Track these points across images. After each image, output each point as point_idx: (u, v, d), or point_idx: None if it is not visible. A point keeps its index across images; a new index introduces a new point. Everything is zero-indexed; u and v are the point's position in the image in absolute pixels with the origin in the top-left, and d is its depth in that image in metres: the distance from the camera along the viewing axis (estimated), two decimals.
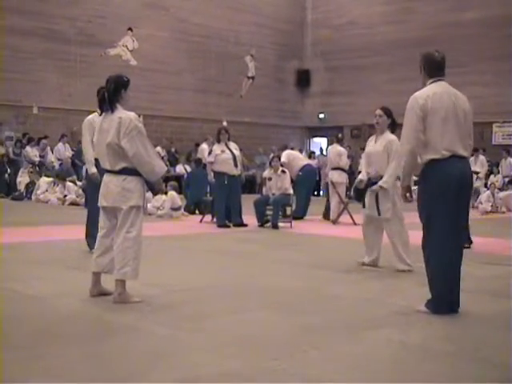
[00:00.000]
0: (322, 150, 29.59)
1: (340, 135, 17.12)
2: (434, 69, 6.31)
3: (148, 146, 6.44)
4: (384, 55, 28.99)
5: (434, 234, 6.09)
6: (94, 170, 9.17)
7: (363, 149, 9.67)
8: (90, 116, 9.52)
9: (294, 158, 17.43)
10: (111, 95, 6.51)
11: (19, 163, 22.97)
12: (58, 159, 23.16)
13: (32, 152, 22.97)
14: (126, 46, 26.65)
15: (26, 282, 7.31)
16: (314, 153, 27.55)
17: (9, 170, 23.09)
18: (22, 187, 21.93)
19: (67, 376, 4.33)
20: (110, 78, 6.64)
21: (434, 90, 6.17)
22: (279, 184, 14.50)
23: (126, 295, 6.44)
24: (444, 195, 6.01)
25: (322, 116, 32.03)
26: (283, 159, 16.47)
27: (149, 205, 16.09)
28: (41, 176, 21.59)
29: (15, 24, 24.02)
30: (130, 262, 6.35)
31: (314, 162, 22.20)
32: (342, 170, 16.11)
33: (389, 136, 8.74)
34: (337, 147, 16.28)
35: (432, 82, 6.27)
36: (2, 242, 10.25)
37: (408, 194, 6.37)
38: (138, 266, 6.42)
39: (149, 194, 16.69)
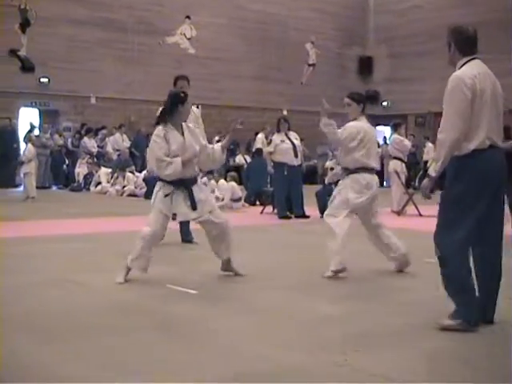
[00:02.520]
0: (385, 138, 28.82)
1: (396, 123, 16.49)
2: (469, 45, 5.52)
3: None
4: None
5: (460, 233, 5.27)
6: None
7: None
8: None
9: None
10: (167, 110, 7.00)
11: (77, 154, 22.87)
12: (116, 150, 22.93)
13: (90, 143, 22.84)
14: (184, 34, 26.33)
15: (89, 274, 7.32)
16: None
17: (67, 161, 23.04)
18: (80, 178, 21.84)
19: (124, 369, 4.29)
20: (170, 93, 7.20)
21: (478, 70, 5.38)
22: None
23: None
24: (483, 191, 5.25)
25: (385, 104, 31.26)
26: None
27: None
28: (99, 167, 21.41)
29: (72, 13, 23.94)
30: None
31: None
32: (401, 159, 15.63)
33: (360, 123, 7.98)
34: (397, 135, 15.79)
35: (468, 61, 5.46)
36: (64, 234, 10.39)
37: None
38: None
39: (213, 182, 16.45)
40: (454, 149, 5.27)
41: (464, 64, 5.45)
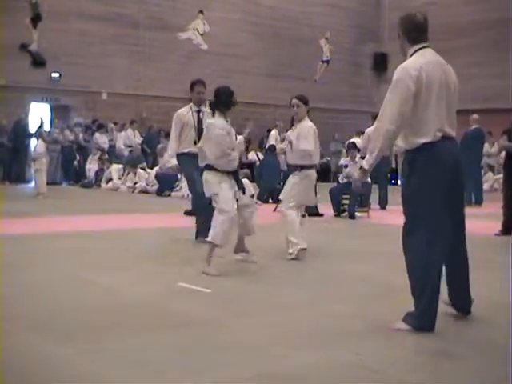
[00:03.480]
0: None
1: None
2: (418, 32, 5.35)
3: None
4: (464, 37, 27.77)
5: (421, 232, 5.18)
6: (174, 162, 9.63)
7: None
8: (181, 110, 9.75)
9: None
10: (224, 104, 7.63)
11: (89, 150, 22.74)
12: (128, 146, 22.77)
13: (101, 138, 22.68)
14: (197, 29, 26.16)
15: (102, 272, 7.32)
16: None
17: (78, 157, 22.90)
18: (91, 174, 21.70)
19: (143, 368, 4.26)
20: (222, 88, 7.74)
21: (426, 59, 5.22)
22: (356, 171, 13.80)
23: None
24: (437, 185, 5.12)
25: None
26: (363, 142, 16.00)
27: None
28: (110, 163, 21.26)
29: (84, 9, 23.83)
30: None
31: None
32: None
33: (308, 123, 8.60)
34: None
35: (419, 49, 5.31)
36: (75, 231, 10.35)
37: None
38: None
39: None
40: (389, 140, 5.16)
41: (414, 53, 5.30)
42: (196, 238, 9.39)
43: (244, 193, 7.77)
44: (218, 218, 7.31)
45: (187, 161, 9.31)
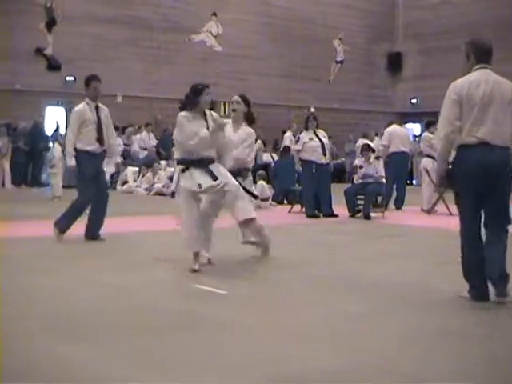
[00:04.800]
0: (414, 136, 28.47)
1: (429, 121, 16.28)
2: (485, 56, 6.18)
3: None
4: (482, 35, 27.56)
5: (463, 222, 6.11)
6: (72, 162, 9.48)
7: None
8: (80, 105, 9.67)
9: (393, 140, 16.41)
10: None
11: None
12: (143, 148, 22.81)
13: (116, 141, 22.67)
14: (211, 31, 26.18)
15: (117, 274, 7.33)
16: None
17: None
18: (106, 177, 21.68)
19: (159, 370, 4.25)
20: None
21: (474, 77, 6.06)
22: (370, 172, 13.83)
23: None
24: (468, 183, 5.97)
25: (414, 101, 30.89)
26: (384, 142, 16.08)
27: None
28: (125, 166, 21.30)
29: (98, 12, 23.90)
30: None
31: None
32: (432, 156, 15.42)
33: (247, 129, 8.42)
34: (428, 133, 15.55)
35: (476, 70, 6.12)
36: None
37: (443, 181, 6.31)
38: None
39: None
40: (445, 144, 6.02)
41: (472, 71, 6.12)
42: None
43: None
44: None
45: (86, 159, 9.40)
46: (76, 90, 23.39)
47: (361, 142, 20.87)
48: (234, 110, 8.41)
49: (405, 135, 16.81)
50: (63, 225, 9.50)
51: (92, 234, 9.60)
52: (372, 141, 20.17)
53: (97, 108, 9.51)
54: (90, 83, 9.56)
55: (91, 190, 9.49)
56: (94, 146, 9.35)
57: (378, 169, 13.94)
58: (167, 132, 23.67)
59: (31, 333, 5.00)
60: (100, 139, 9.41)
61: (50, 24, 22.98)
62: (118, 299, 6.16)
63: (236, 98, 8.43)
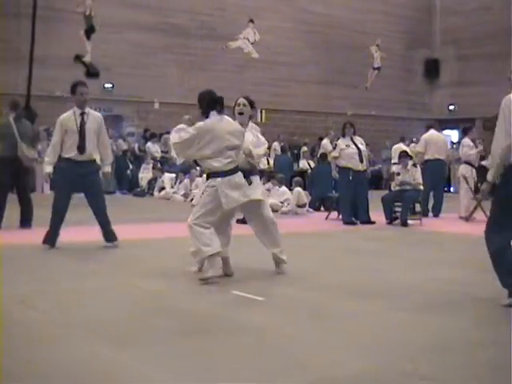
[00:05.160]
0: (452, 143, 28.25)
1: (467, 127, 16.20)
2: None
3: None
4: None
5: (508, 232, 6.15)
6: (48, 169, 9.28)
7: None
8: (63, 115, 9.44)
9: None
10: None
11: (142, 159, 22.94)
12: None
13: (154, 147, 22.86)
14: (248, 38, 26.21)
15: (154, 279, 7.34)
16: None
17: (131, 166, 23.12)
18: (144, 183, 21.87)
19: (201, 375, 4.26)
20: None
21: None
22: (408, 179, 13.76)
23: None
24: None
25: (452, 107, 30.66)
26: (420, 149, 16.10)
27: (271, 200, 15.90)
28: (163, 172, 21.42)
29: (136, 20, 24.10)
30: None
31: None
32: (470, 163, 15.35)
33: (254, 125, 8.34)
34: (466, 140, 15.48)
35: None
36: (127, 239, 10.29)
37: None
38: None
39: (275, 188, 16.42)
40: (503, 156, 5.98)
41: None
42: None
43: None
44: None
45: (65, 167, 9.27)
46: (114, 96, 23.72)
47: (398, 146, 20.80)
48: (241, 113, 8.06)
49: (441, 142, 16.68)
50: (50, 238, 9.26)
51: (106, 238, 9.59)
52: (408, 146, 20.08)
53: (82, 115, 9.29)
54: (77, 89, 9.31)
55: (65, 199, 9.30)
56: (72, 154, 9.10)
57: (416, 176, 13.86)
58: None
59: (72, 337, 5.04)
60: (80, 147, 9.14)
61: (89, 31, 23.21)
62: (156, 304, 6.19)
63: (243, 100, 8.11)
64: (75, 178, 9.14)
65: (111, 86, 23.79)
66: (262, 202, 7.71)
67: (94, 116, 9.47)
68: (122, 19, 23.81)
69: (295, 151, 25.97)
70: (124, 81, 23.44)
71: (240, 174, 7.35)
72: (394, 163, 19.11)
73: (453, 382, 4.20)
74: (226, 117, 7.41)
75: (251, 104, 8.14)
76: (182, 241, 10.53)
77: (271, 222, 7.77)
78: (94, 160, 9.41)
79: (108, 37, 23.31)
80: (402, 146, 20.25)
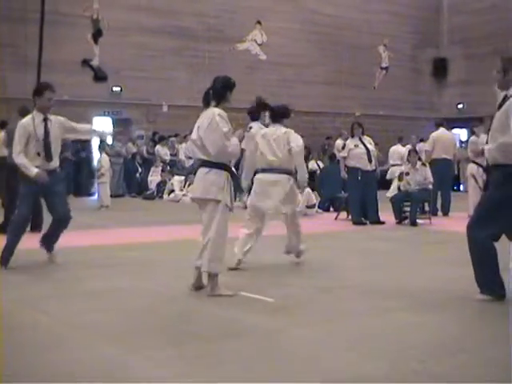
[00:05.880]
0: (461, 142, 28.17)
1: (476, 127, 16.19)
2: None
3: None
4: None
5: (491, 229, 6.24)
6: (34, 170, 8.14)
7: None
8: (25, 120, 8.45)
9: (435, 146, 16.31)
10: (217, 94, 6.90)
11: (151, 162, 22.97)
12: (189, 157, 22.92)
13: (163, 150, 22.89)
14: (255, 39, 26.20)
15: (164, 281, 7.43)
16: None
17: (140, 169, 23.15)
18: (153, 186, 21.89)
19: (212, 377, 4.29)
20: (218, 77, 7.03)
21: None
22: (418, 179, 13.76)
23: (217, 289, 6.65)
24: None
25: (460, 106, 30.56)
26: (428, 147, 16.30)
27: None
28: (172, 175, 21.44)
29: (143, 23, 24.11)
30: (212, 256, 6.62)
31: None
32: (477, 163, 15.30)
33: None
34: (473, 138, 15.53)
35: None
36: (138, 242, 10.47)
37: None
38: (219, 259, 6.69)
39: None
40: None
41: None
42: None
43: None
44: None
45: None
46: (123, 100, 23.76)
47: (395, 148, 20.77)
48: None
49: (450, 142, 16.67)
50: (6, 250, 8.30)
51: (47, 245, 8.70)
52: (404, 146, 20.03)
53: (45, 120, 8.36)
54: (44, 93, 8.35)
55: (29, 207, 8.43)
56: (37, 163, 8.21)
57: (427, 175, 13.87)
58: None
59: (85, 340, 5.09)
60: (47, 155, 8.30)
61: (97, 35, 23.25)
62: (166, 306, 6.22)
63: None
64: (41, 188, 8.31)
65: (119, 89, 23.82)
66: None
67: (56, 121, 8.52)
68: (130, 22, 23.83)
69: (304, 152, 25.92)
70: (132, 84, 23.47)
71: None
72: (393, 165, 19.14)
73: (463, 382, 4.19)
74: None
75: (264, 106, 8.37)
76: (191, 243, 10.61)
77: None
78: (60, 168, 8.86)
79: (115, 40, 23.33)
80: (399, 148, 20.29)
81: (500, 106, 6.25)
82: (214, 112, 6.70)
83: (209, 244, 6.62)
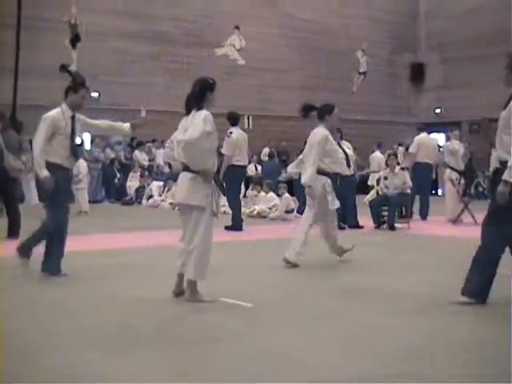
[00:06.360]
0: (439, 146, 28.29)
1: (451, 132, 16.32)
2: None
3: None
4: (506, 44, 27.17)
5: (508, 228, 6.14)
6: (46, 172, 7.83)
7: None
8: (54, 112, 8.14)
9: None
10: (198, 97, 6.68)
11: (129, 167, 22.91)
12: (167, 163, 22.89)
13: (141, 156, 22.84)
14: (234, 45, 26.20)
15: (144, 288, 7.38)
16: None
17: (118, 175, 23.08)
18: (131, 192, 21.84)
19: (181, 380, 4.28)
20: (197, 80, 6.87)
21: None
22: (396, 183, 13.81)
23: (197, 295, 6.58)
24: None
25: (438, 111, 30.74)
26: (412, 150, 16.30)
27: (257, 207, 16.15)
28: (151, 180, 21.41)
29: (122, 27, 24.09)
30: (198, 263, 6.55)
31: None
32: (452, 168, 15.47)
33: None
34: (451, 143, 15.69)
35: None
36: (117, 248, 10.41)
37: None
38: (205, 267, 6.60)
39: (262, 194, 16.51)
40: None
41: None
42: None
43: None
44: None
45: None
46: (100, 105, 23.66)
47: (374, 155, 20.92)
48: None
49: (432, 147, 16.80)
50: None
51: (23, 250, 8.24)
52: (383, 152, 20.19)
53: (73, 118, 8.18)
54: (80, 90, 8.31)
55: (65, 214, 8.28)
56: (64, 160, 8.00)
57: (406, 179, 13.94)
58: None
59: (67, 347, 5.06)
60: (73, 153, 8.11)
61: (75, 40, 23.17)
62: (146, 312, 6.20)
63: None
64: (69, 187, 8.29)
65: (97, 94, 23.75)
66: None
67: (80, 119, 8.33)
68: (108, 27, 23.80)
69: (283, 157, 25.96)
70: (110, 89, 23.40)
71: None
72: (373, 171, 19.26)
73: (450, 383, 4.24)
74: None
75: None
76: (171, 249, 10.58)
77: None
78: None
79: (94, 45, 23.27)
80: (378, 155, 20.42)
81: (506, 105, 6.12)
82: (201, 114, 6.52)
83: (194, 252, 6.53)
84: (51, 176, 7.76)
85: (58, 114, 8.05)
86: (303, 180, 8.75)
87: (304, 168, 8.98)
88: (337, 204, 8.76)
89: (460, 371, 4.46)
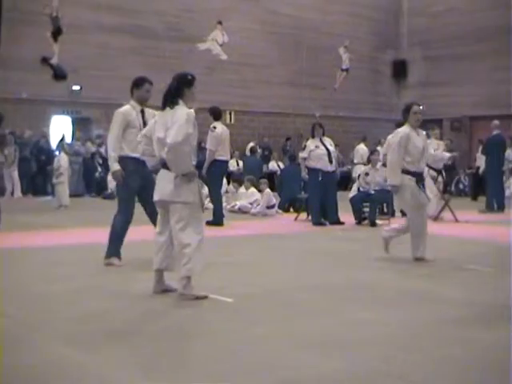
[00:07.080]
0: None
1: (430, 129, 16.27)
2: None
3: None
4: (488, 42, 27.46)
5: None
6: (117, 167, 8.15)
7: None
8: (124, 108, 8.49)
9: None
10: (173, 92, 6.59)
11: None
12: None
13: None
14: (216, 39, 26.05)
15: (124, 282, 7.38)
16: None
17: (99, 169, 22.99)
18: (112, 186, 21.73)
19: (168, 376, 4.28)
20: (175, 75, 6.81)
21: None
22: (378, 179, 13.84)
23: (191, 289, 6.48)
24: None
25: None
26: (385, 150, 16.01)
27: (239, 202, 16.19)
28: None
29: (103, 21, 23.97)
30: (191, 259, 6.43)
31: None
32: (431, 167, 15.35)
33: None
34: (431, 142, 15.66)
35: None
36: (96, 242, 10.12)
37: None
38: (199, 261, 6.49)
39: (242, 190, 16.52)
40: None
41: None
42: None
43: None
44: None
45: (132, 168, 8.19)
46: (82, 99, 23.57)
47: (360, 147, 20.99)
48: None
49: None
50: (112, 252, 8.55)
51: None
52: (368, 146, 20.24)
53: (142, 112, 8.44)
54: (143, 84, 8.58)
55: (132, 211, 8.65)
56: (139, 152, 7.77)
57: (383, 177, 13.92)
58: None
59: (43, 341, 5.03)
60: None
61: (56, 33, 22.95)
62: (125, 307, 6.18)
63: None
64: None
65: (79, 88, 23.65)
66: None
67: (150, 113, 8.36)
68: (90, 21, 23.67)
69: (266, 152, 25.98)
70: (92, 83, 23.29)
71: None
72: (357, 163, 19.30)
73: (428, 382, 4.24)
74: None
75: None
76: (151, 244, 10.54)
77: None
78: None
79: (75, 38, 23.11)
80: (363, 147, 20.48)
81: None
82: (183, 113, 6.40)
83: (188, 248, 6.39)
84: (122, 170, 8.09)
85: (126, 108, 8.46)
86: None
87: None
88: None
89: (440, 371, 4.47)
